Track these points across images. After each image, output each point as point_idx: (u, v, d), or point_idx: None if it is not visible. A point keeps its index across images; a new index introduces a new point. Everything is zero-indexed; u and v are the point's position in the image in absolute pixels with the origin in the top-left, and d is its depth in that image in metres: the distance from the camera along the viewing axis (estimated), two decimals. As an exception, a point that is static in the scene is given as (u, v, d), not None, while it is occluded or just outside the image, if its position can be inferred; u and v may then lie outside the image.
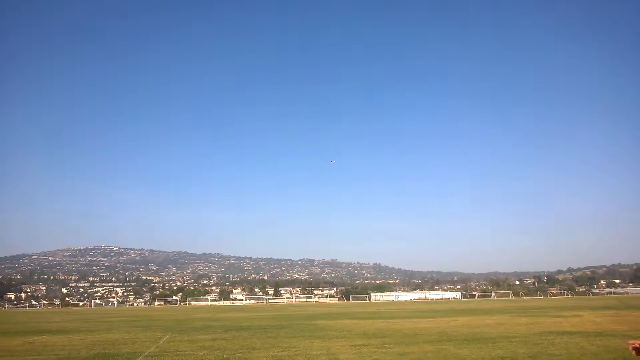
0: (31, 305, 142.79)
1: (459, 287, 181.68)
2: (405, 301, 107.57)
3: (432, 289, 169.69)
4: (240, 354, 15.06)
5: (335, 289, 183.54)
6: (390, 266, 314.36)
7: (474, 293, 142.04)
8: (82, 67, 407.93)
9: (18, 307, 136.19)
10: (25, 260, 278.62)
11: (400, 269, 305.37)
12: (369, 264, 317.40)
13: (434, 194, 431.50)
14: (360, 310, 53.86)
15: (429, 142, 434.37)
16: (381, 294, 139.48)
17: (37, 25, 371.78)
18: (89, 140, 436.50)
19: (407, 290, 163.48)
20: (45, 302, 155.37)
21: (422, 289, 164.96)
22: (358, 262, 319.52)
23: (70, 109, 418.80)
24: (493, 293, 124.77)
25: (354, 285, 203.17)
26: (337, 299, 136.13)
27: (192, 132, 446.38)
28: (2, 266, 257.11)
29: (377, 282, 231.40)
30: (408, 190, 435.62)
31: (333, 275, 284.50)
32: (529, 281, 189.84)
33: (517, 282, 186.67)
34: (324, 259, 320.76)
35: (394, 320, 32.43)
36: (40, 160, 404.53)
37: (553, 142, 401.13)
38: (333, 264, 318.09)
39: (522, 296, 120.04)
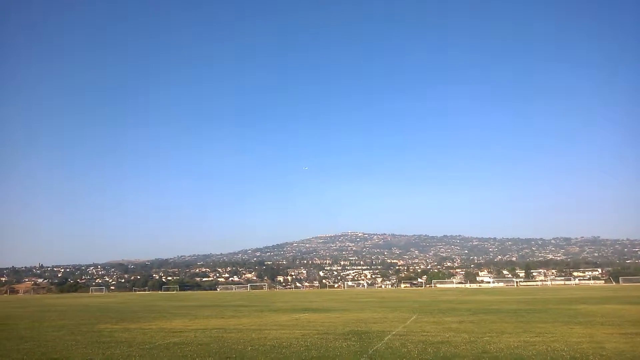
0: (296, 287, 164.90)
1: None
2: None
3: None
4: (488, 338, 14.25)
5: (599, 270, 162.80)
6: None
7: None
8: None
9: (286, 288, 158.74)
10: (288, 248, 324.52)
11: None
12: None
13: None
14: (634, 294, 46.07)
15: None
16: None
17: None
18: (334, 143, 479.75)
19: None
20: (306, 284, 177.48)
21: None
22: (628, 239, 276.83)
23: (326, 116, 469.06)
24: None
25: (624, 265, 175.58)
26: (603, 282, 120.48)
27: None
28: (272, 253, 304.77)
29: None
30: None
31: (596, 254, 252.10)
32: None
33: None
34: (582, 237, 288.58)
35: (682, 306, 26.75)
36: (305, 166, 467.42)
37: None
38: (595, 241, 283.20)
39: None
